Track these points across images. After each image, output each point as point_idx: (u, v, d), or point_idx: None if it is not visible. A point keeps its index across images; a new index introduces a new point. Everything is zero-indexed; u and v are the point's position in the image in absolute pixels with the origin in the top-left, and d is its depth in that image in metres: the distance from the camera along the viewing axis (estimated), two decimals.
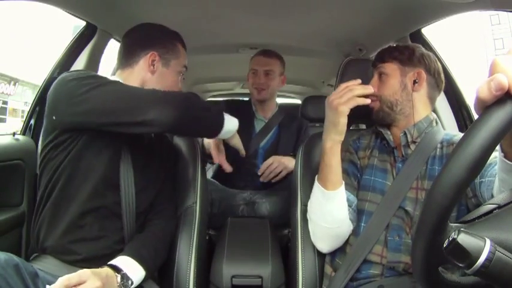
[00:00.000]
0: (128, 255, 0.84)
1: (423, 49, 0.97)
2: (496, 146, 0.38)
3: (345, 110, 0.86)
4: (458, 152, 0.38)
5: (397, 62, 0.94)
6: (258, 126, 1.65)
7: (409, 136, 0.92)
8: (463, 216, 0.57)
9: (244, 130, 1.43)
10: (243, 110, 1.57)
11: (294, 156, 1.30)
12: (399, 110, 0.93)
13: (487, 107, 0.38)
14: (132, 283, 0.81)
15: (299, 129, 1.65)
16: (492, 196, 0.70)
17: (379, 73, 0.96)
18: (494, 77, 0.37)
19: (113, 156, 0.89)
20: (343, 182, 0.91)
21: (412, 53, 0.94)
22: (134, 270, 0.83)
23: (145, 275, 0.85)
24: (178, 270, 0.97)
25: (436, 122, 0.96)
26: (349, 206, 0.92)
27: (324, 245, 0.95)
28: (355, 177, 0.97)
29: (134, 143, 0.93)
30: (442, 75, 0.97)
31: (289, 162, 1.42)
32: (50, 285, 0.76)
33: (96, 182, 0.87)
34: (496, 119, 0.37)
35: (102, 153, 0.88)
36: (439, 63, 0.97)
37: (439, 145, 0.92)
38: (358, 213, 0.93)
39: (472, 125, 0.39)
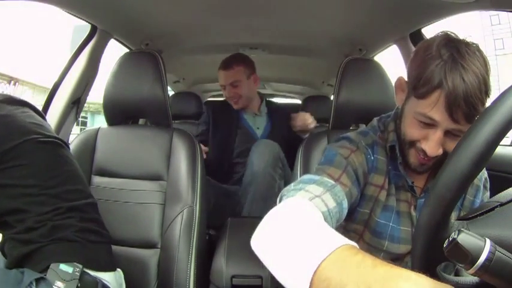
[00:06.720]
0: None
1: None
2: (501, 140, 0.38)
3: None
4: (464, 145, 0.38)
5: None
6: (249, 119, 1.72)
7: None
8: None
9: (230, 127, 1.66)
10: (226, 110, 1.69)
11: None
12: None
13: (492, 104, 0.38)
14: None
15: (286, 115, 1.71)
16: None
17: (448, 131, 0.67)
18: None
19: None
20: None
21: None
22: None
23: None
24: (178, 270, 0.97)
25: None
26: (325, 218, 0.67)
27: None
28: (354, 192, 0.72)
29: None
30: None
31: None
32: None
33: None
34: (502, 112, 0.37)
35: None
36: None
37: None
38: None
39: (477, 119, 0.39)
